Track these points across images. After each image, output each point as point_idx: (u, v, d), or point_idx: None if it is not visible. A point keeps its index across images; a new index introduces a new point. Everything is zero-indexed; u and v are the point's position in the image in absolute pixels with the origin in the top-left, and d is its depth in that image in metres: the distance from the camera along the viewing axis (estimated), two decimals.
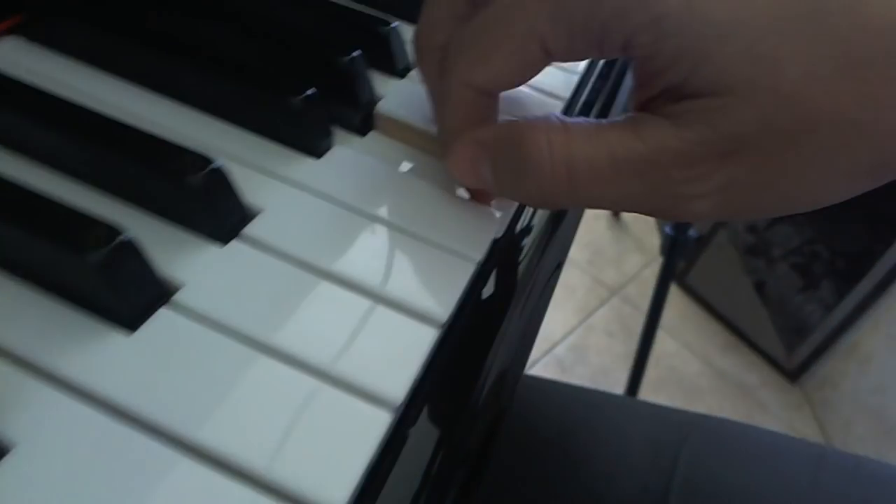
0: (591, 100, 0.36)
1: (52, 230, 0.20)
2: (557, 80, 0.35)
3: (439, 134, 0.26)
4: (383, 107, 0.30)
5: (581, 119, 0.22)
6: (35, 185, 0.21)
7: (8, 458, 0.17)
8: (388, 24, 0.32)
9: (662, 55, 0.20)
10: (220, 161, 0.23)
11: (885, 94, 0.18)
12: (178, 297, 0.21)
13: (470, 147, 0.24)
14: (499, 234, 0.26)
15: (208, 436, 0.18)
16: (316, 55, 0.29)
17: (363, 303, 0.22)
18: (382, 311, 0.22)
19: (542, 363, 1.38)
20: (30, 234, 0.20)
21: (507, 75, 0.23)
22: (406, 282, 0.23)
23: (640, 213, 0.23)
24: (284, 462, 0.18)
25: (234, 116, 0.28)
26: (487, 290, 0.25)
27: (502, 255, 0.26)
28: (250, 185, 0.25)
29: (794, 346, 1.41)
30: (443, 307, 0.23)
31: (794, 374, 1.44)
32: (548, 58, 0.22)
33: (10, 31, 0.30)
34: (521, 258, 0.27)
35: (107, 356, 0.19)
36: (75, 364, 0.19)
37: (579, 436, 0.47)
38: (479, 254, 0.25)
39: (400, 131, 0.29)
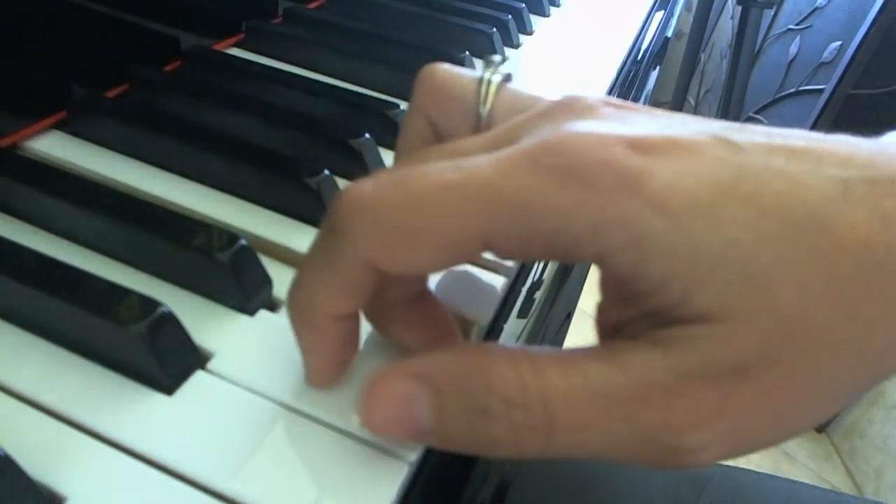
0: None
1: (98, 305, 0.22)
2: None
3: None
4: None
5: (546, 349, 0.19)
6: (78, 265, 0.24)
7: None
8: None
9: (646, 279, 0.18)
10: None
11: (870, 311, 0.17)
12: (211, 365, 0.23)
13: (403, 384, 0.19)
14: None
15: (239, 486, 0.20)
16: (330, 137, 0.32)
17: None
18: None
19: None
20: (81, 311, 0.22)
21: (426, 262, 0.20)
22: None
23: (637, 464, 0.19)
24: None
25: (257, 197, 0.31)
26: None
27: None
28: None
29: None
30: None
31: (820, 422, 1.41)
32: (480, 252, 0.19)
33: (54, 126, 0.33)
34: (531, 309, 0.29)
35: (148, 416, 0.21)
36: (120, 423, 0.21)
37: (598, 490, 0.47)
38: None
39: None
